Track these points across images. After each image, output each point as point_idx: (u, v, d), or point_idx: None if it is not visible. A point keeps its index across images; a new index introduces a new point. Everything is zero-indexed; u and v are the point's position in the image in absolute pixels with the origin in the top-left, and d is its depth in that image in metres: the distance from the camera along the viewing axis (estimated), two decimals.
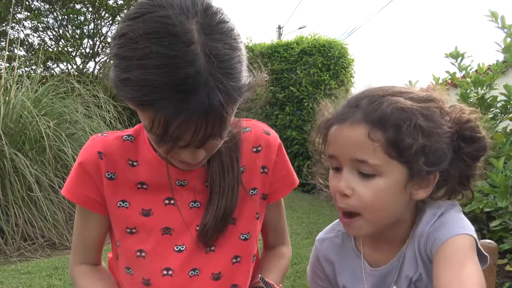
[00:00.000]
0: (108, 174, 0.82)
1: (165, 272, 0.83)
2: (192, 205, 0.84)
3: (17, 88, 4.48)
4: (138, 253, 0.83)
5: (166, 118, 0.63)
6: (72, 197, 0.84)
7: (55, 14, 10.63)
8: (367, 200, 0.71)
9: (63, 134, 4.16)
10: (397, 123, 0.69)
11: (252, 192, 0.88)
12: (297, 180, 0.95)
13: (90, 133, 4.53)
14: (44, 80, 4.97)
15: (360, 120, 0.71)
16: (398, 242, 0.79)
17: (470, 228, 0.71)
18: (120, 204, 0.83)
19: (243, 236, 0.87)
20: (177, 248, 0.83)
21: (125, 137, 0.84)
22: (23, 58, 8.35)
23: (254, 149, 0.88)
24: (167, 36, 0.60)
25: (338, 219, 0.91)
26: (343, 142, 0.73)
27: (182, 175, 0.84)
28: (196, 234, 0.83)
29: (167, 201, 0.84)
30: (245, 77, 0.69)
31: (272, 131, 0.92)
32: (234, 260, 0.86)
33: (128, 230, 0.84)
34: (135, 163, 0.83)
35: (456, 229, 0.71)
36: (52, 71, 9.31)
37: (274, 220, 0.98)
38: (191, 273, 0.83)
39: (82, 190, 0.84)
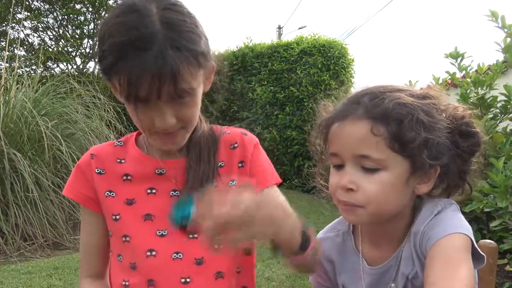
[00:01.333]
0: (98, 170, 0.94)
1: (148, 253, 0.89)
2: (172, 193, 0.91)
3: (17, 88, 4.48)
4: (124, 238, 0.91)
5: (127, 76, 0.74)
6: (71, 195, 0.96)
7: (55, 14, 10.63)
8: (371, 194, 0.72)
9: (63, 134, 4.17)
10: (399, 118, 0.71)
11: (231, 183, 0.91)
12: (277, 177, 0.98)
13: (89, 133, 4.53)
14: (44, 80, 4.97)
15: (362, 116, 0.73)
16: (396, 240, 0.80)
17: (465, 227, 0.71)
18: (107, 194, 0.93)
19: None
20: (159, 232, 0.90)
21: (116, 143, 0.98)
22: (23, 58, 8.35)
23: (231, 146, 0.95)
24: (130, 12, 0.75)
25: (338, 219, 0.91)
26: (345, 138, 0.74)
27: (161, 164, 0.92)
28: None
29: (149, 191, 0.92)
30: (203, 47, 0.79)
31: (249, 133, 0.99)
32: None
33: (113, 217, 0.92)
34: (122, 161, 0.95)
35: (451, 228, 0.71)
36: (52, 71, 9.31)
37: None
38: (174, 256, 0.88)
39: (78, 188, 0.95)
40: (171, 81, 0.74)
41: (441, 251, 0.69)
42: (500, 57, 2.67)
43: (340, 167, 0.76)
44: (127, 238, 0.91)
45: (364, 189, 0.73)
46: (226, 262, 0.90)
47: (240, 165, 0.94)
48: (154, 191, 0.92)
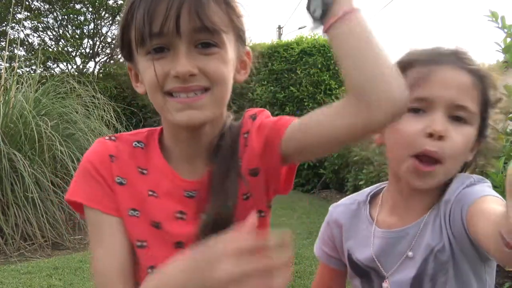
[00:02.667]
0: (118, 179, 0.76)
1: None
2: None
3: (17, 88, 4.48)
4: (150, 270, 0.74)
5: (142, 11, 0.66)
6: (88, 202, 0.75)
7: (55, 14, 10.63)
8: (458, 146, 0.71)
9: (63, 135, 4.16)
10: (488, 79, 0.74)
11: (245, 196, 0.77)
12: (290, 118, 0.77)
13: (89, 133, 4.53)
14: (44, 80, 4.97)
15: (463, 68, 0.73)
16: (420, 210, 0.77)
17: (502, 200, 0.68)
18: (131, 213, 0.75)
19: None
20: None
21: (135, 144, 0.79)
22: (23, 58, 8.35)
23: (244, 135, 0.78)
24: None
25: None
26: (447, 84, 0.72)
27: (191, 185, 0.76)
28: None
29: (178, 215, 0.75)
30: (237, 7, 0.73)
31: (260, 113, 0.83)
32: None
33: (139, 244, 0.75)
34: (145, 171, 0.77)
35: (487, 192, 0.70)
36: (52, 71, 9.31)
37: (300, 126, 0.74)
38: None
39: (96, 195, 0.75)
40: (195, 9, 0.65)
41: (483, 205, 0.66)
42: (500, 57, 2.66)
43: (419, 112, 0.72)
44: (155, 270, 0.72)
45: (453, 139, 0.71)
46: None
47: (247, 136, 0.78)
48: (184, 216, 0.75)
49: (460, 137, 0.71)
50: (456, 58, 0.74)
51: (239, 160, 0.77)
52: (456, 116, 0.72)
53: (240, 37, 0.74)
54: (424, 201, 0.77)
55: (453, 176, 0.76)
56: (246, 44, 0.77)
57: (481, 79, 0.73)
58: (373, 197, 0.87)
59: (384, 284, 0.78)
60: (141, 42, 0.67)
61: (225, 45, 0.70)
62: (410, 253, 0.76)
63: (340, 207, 0.88)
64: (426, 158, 0.72)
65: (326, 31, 0.63)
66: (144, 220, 0.75)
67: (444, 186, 0.76)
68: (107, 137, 0.79)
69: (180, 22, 0.65)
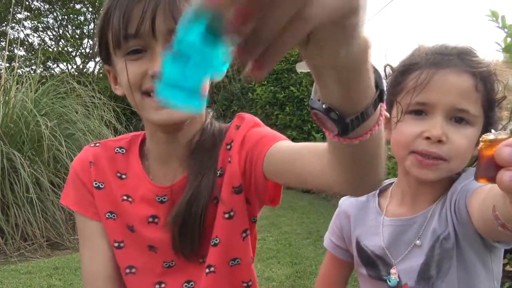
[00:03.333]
0: (96, 183, 0.81)
1: (157, 286, 0.81)
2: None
3: (17, 88, 4.48)
4: (128, 270, 0.80)
5: (119, 13, 0.67)
6: (74, 206, 0.83)
7: (55, 14, 10.62)
8: (460, 148, 0.73)
9: (63, 135, 4.16)
10: (492, 78, 0.74)
11: (227, 216, 0.77)
12: (281, 136, 0.75)
13: (89, 133, 4.53)
14: (44, 80, 4.97)
15: (466, 70, 0.73)
16: (429, 201, 0.80)
17: None
18: (108, 215, 0.81)
19: (231, 262, 0.79)
20: (166, 264, 0.80)
21: (117, 150, 0.83)
22: (23, 58, 8.35)
23: (228, 147, 0.78)
24: None
25: None
26: (447, 88, 0.72)
27: (163, 190, 0.79)
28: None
29: (150, 219, 0.79)
30: None
31: (246, 118, 0.80)
32: (233, 262, 0.81)
33: (116, 244, 0.81)
34: (123, 176, 0.82)
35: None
36: (52, 71, 9.30)
37: (284, 156, 0.72)
38: (185, 285, 0.81)
39: (81, 199, 0.82)
40: (167, 13, 0.66)
41: (483, 189, 0.66)
42: (500, 57, 2.66)
43: (420, 114, 0.74)
44: (133, 270, 0.80)
45: (453, 142, 0.72)
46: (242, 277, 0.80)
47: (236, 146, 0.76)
48: (156, 220, 0.79)
49: (461, 138, 0.73)
50: (460, 60, 0.74)
51: (217, 160, 0.77)
52: (458, 117, 0.73)
53: None
54: (432, 193, 0.79)
55: (462, 171, 0.78)
56: None
57: (484, 80, 0.73)
58: (382, 191, 0.89)
59: (392, 271, 0.79)
60: (118, 44, 0.69)
61: None
62: (418, 242, 0.78)
63: (350, 199, 0.91)
64: (427, 156, 0.74)
65: (349, 139, 0.45)
66: (120, 223, 0.80)
67: (452, 180, 0.78)
68: (92, 144, 0.85)
69: (155, 24, 0.66)
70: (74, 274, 3.20)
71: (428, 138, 0.72)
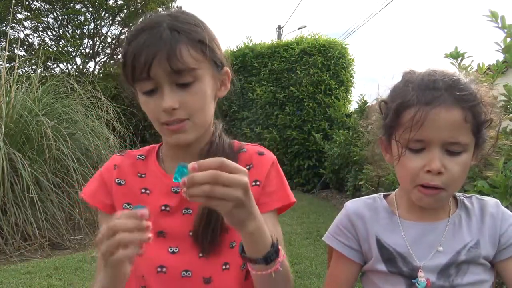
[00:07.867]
0: (118, 180, 0.96)
1: (159, 269, 0.90)
2: (184, 211, 0.92)
3: (17, 88, 4.48)
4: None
5: (128, 55, 0.83)
6: (93, 202, 0.97)
7: (55, 14, 10.63)
8: (456, 176, 0.80)
9: (63, 134, 4.17)
10: (479, 104, 0.80)
11: None
12: (291, 198, 0.99)
13: (89, 133, 4.54)
14: (44, 80, 4.98)
15: (455, 104, 0.78)
16: (439, 212, 0.88)
17: None
18: (125, 206, 0.95)
19: (231, 244, 0.91)
20: (171, 249, 0.91)
21: (138, 157, 1.01)
22: (23, 58, 8.35)
23: (247, 167, 0.94)
24: (147, 21, 0.86)
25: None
26: (440, 125, 0.79)
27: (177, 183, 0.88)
28: (191, 240, 0.91)
29: (163, 208, 0.93)
30: (209, 41, 0.86)
31: (267, 151, 0.99)
32: (224, 267, 0.90)
33: None
34: (143, 175, 0.97)
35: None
36: (52, 71, 9.30)
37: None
38: (183, 274, 0.90)
39: (100, 196, 0.96)
40: (166, 57, 0.80)
41: None
42: (500, 57, 2.66)
43: (420, 150, 0.81)
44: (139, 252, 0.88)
45: (450, 171, 0.79)
46: (234, 282, 0.90)
47: (254, 183, 0.93)
48: (168, 208, 0.92)
49: (457, 167, 0.80)
50: (448, 95, 0.79)
51: None
52: (452, 148, 0.80)
53: (215, 63, 0.88)
54: (438, 207, 0.88)
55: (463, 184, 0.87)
56: (224, 66, 0.92)
57: (472, 110, 0.79)
58: (385, 196, 0.96)
59: (420, 274, 0.85)
60: (132, 85, 0.87)
61: (200, 77, 0.85)
62: (440, 248, 0.85)
63: (358, 201, 0.95)
64: (429, 188, 0.82)
65: (265, 272, 0.79)
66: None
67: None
68: (118, 153, 1.04)
69: (154, 66, 0.81)
70: (74, 274, 3.20)
71: (429, 171, 0.80)
